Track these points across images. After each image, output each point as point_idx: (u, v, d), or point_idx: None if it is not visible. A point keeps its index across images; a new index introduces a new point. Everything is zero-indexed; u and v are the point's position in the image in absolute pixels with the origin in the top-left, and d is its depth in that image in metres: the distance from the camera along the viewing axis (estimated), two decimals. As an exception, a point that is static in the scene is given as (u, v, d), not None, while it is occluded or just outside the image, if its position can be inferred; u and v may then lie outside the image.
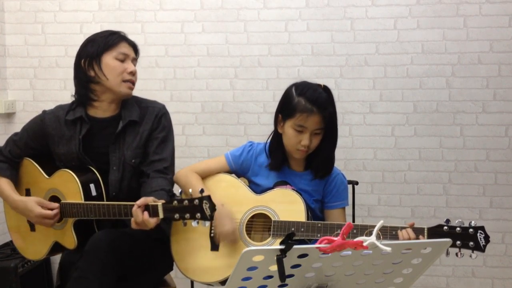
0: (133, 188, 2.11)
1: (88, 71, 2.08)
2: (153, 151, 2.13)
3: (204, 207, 1.72)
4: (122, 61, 2.08)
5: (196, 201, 1.73)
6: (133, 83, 2.12)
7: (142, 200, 1.84)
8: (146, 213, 1.81)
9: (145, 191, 2.05)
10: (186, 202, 1.74)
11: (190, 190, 1.77)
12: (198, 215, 1.73)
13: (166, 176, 2.11)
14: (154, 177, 2.08)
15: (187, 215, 1.74)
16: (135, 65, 2.14)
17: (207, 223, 1.75)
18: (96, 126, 2.12)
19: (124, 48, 2.10)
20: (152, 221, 1.81)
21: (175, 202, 1.76)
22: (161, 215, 1.80)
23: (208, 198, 1.73)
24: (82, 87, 2.11)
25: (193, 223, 1.75)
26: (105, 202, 1.98)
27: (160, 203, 1.80)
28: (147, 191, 2.02)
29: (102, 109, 2.13)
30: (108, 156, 2.11)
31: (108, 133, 2.12)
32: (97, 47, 2.08)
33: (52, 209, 2.05)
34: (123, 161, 2.10)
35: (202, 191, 1.74)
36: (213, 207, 1.73)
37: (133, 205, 1.87)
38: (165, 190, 2.04)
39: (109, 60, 2.07)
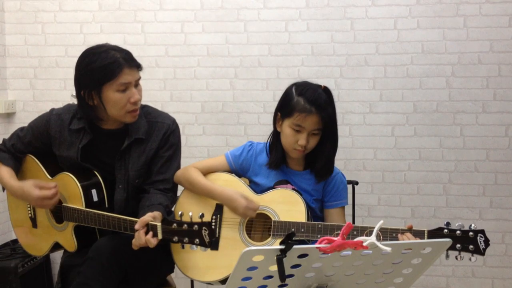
0: (137, 206, 2.07)
1: (88, 100, 1.99)
2: (156, 170, 2.09)
3: (203, 234, 1.69)
4: (124, 90, 1.95)
5: (196, 227, 1.70)
6: (137, 110, 2.02)
7: (141, 222, 1.80)
8: (150, 233, 1.78)
9: (143, 204, 2.01)
10: (185, 226, 1.71)
11: (190, 214, 1.74)
12: (197, 241, 1.70)
13: (166, 194, 2.08)
14: (154, 193, 2.06)
15: (186, 239, 1.72)
16: (139, 83, 2.02)
17: (207, 249, 1.73)
18: (100, 136, 2.08)
19: (125, 76, 1.93)
20: (154, 241, 1.77)
21: (174, 225, 1.73)
22: (160, 236, 1.77)
23: (208, 224, 1.69)
24: (85, 112, 2.04)
25: (192, 247, 1.73)
26: (105, 213, 1.94)
27: (159, 224, 1.77)
28: (145, 205, 1.99)
29: (107, 124, 2.08)
30: (113, 167, 2.08)
31: (112, 145, 2.08)
32: (95, 79, 1.93)
33: (50, 189, 2.01)
34: (127, 179, 2.07)
35: (202, 216, 1.71)
36: (212, 234, 1.69)
37: (132, 221, 1.85)
38: (163, 205, 2.00)
39: (110, 94, 1.94)
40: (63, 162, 2.13)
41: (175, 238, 1.74)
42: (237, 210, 1.99)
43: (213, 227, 1.70)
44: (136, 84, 2.01)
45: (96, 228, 2.03)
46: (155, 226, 1.78)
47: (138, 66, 2.01)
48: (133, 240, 1.82)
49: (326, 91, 1.99)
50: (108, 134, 2.09)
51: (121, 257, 1.90)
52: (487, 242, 1.75)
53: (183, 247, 1.77)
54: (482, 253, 1.75)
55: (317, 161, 2.04)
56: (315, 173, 2.06)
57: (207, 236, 1.69)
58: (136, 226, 1.81)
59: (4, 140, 2.22)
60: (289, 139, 1.99)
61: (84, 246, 2.01)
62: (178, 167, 2.17)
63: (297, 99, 1.96)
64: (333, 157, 2.06)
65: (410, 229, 1.83)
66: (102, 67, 1.92)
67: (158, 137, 2.09)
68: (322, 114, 1.93)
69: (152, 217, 1.83)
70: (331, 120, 1.99)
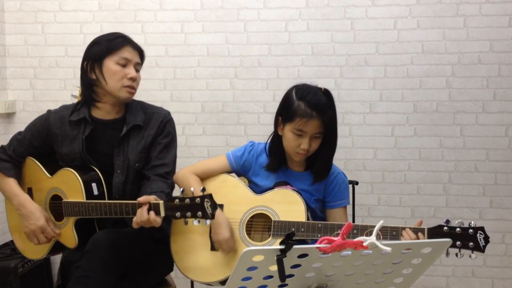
0: (136, 191, 2.11)
1: (89, 73, 2.08)
2: (155, 156, 2.13)
3: (205, 205, 1.71)
4: (124, 65, 2.07)
5: (198, 200, 1.73)
6: (134, 88, 2.11)
7: (144, 198, 1.84)
8: (152, 212, 1.80)
9: (144, 192, 2.04)
10: (187, 200, 1.74)
11: (192, 189, 1.77)
12: (200, 213, 1.73)
13: (167, 181, 2.12)
14: (154, 180, 2.09)
15: (189, 214, 1.74)
16: (139, 70, 2.13)
17: (208, 222, 1.75)
18: (100, 127, 2.13)
19: (127, 52, 2.08)
20: (159, 220, 1.80)
21: (177, 200, 1.76)
22: (162, 214, 1.80)
23: (210, 196, 1.72)
24: (85, 88, 2.12)
25: (194, 222, 1.75)
26: (106, 201, 1.98)
27: (161, 201, 1.80)
28: (147, 192, 2.02)
29: (105, 111, 2.14)
30: (111, 158, 2.11)
31: (111, 135, 2.12)
32: (100, 50, 2.07)
33: (54, 230, 2.07)
34: (127, 164, 2.11)
35: (203, 189, 1.74)
36: (214, 206, 1.72)
37: (134, 204, 1.87)
38: (165, 192, 2.04)
39: (110, 65, 2.06)
40: (64, 159, 2.15)
41: (178, 214, 1.76)
42: (217, 236, 1.98)
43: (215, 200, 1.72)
44: (136, 70, 2.11)
45: (95, 223, 2.06)
46: (157, 204, 1.80)
47: (140, 52, 2.14)
48: (134, 218, 1.84)
49: (326, 93, 1.98)
50: (106, 124, 2.13)
51: (119, 249, 1.92)
52: (487, 239, 1.75)
53: (186, 223, 1.77)
54: (482, 250, 1.75)
55: (316, 162, 2.05)
56: (314, 174, 2.07)
57: (209, 207, 1.71)
58: (140, 200, 1.84)
59: (3, 147, 2.24)
60: (291, 143, 1.98)
61: (85, 242, 2.02)
62: (176, 155, 2.21)
63: (298, 104, 1.94)
64: (331, 158, 2.06)
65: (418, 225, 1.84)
66: (108, 40, 2.09)
67: (156, 124, 2.16)
68: (323, 118, 1.93)
69: (155, 199, 1.86)
70: (332, 123, 1.99)
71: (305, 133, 1.95)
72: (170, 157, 2.17)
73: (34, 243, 2.10)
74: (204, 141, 3.28)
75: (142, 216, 1.81)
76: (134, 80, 2.09)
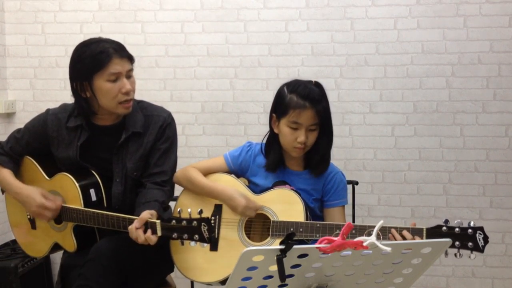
0: (135, 199, 2.08)
1: (81, 92, 2.00)
2: (154, 163, 2.10)
3: (202, 229, 1.70)
4: (115, 80, 1.96)
5: (195, 223, 1.71)
6: (130, 100, 2.03)
7: (140, 221, 1.81)
8: (149, 231, 1.79)
9: (139, 201, 2.02)
10: (184, 222, 1.72)
11: (189, 210, 1.75)
12: (197, 236, 1.71)
13: (163, 188, 2.08)
14: (150, 188, 2.06)
15: (185, 236, 1.73)
16: (131, 75, 2.03)
17: (206, 244, 1.74)
18: (98, 133, 2.09)
19: (115, 66, 1.95)
20: (154, 238, 1.79)
21: (174, 221, 1.74)
22: (159, 233, 1.78)
23: (207, 220, 1.70)
24: (79, 104, 2.05)
25: (192, 243, 1.74)
26: (104, 212, 1.94)
27: (158, 221, 1.78)
28: (141, 202, 2.01)
29: (103, 119, 2.09)
30: (111, 164, 2.08)
31: (110, 141, 2.08)
32: (86, 70, 1.95)
33: (54, 202, 2.03)
34: (125, 173, 2.08)
35: (201, 212, 1.72)
36: (211, 230, 1.71)
37: (132, 219, 1.85)
38: (159, 201, 2.01)
39: (101, 84, 1.95)
40: (62, 162, 2.12)
41: (175, 235, 1.75)
42: (236, 209, 1.99)
43: (212, 223, 1.71)
44: (129, 76, 2.02)
45: (95, 228, 2.03)
46: (154, 223, 1.78)
47: (129, 57, 2.02)
48: (131, 235, 1.83)
49: (318, 85, 2.00)
50: (104, 130, 2.09)
51: (121, 258, 1.90)
52: (486, 239, 1.74)
53: (182, 243, 1.77)
54: (481, 250, 1.74)
55: (313, 156, 2.04)
56: (312, 168, 2.06)
57: (206, 231, 1.70)
58: (136, 225, 1.81)
59: (1, 143, 2.22)
60: (288, 138, 1.98)
61: (84, 246, 2.01)
62: (175, 160, 2.18)
63: (290, 97, 1.96)
64: (329, 151, 2.06)
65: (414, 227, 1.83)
66: (92, 57, 1.94)
67: (155, 130, 2.11)
68: (317, 108, 1.94)
69: (150, 214, 1.84)
70: (326, 113, 1.99)
71: (300, 125, 1.95)
72: (169, 164, 2.13)
73: (47, 220, 2.06)
74: (204, 141, 3.28)
75: (139, 238, 1.80)
76: (129, 92, 2.00)
